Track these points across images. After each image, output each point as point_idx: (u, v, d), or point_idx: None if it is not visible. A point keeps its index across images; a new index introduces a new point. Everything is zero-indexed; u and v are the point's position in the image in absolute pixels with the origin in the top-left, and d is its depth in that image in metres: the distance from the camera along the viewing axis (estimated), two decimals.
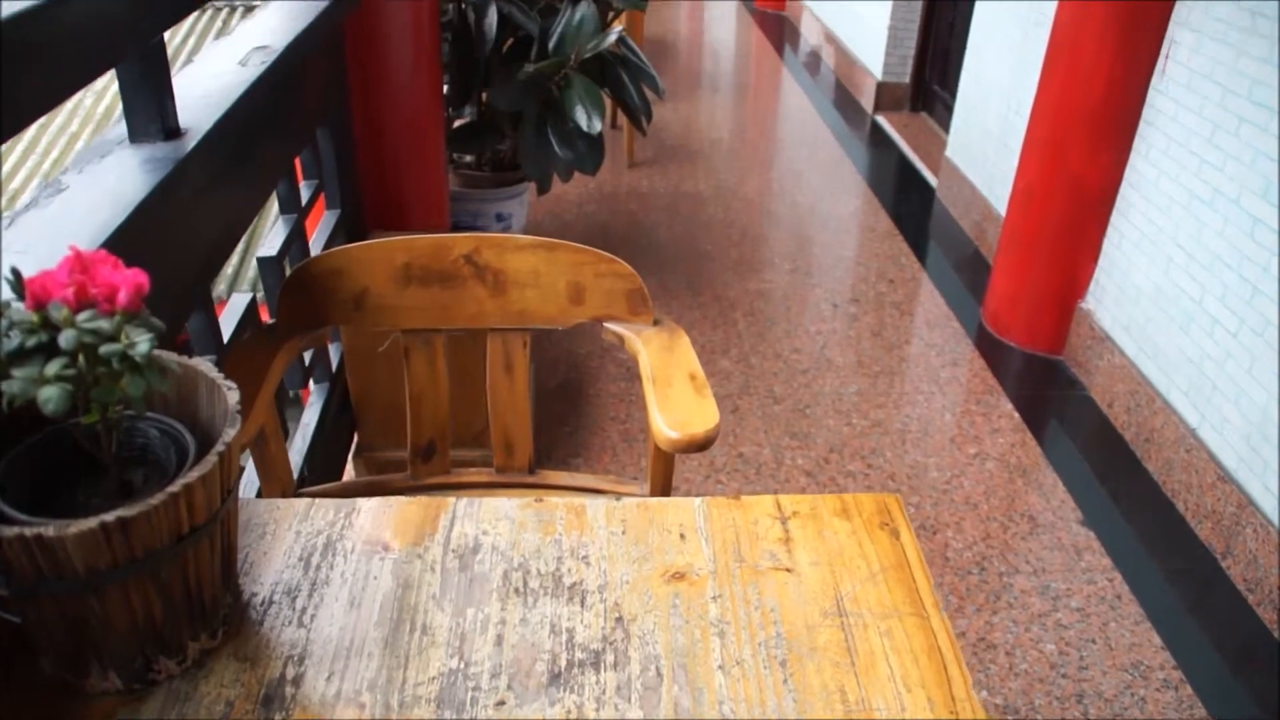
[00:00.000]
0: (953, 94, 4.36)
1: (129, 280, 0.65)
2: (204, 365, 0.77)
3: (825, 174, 4.51)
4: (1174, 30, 2.70)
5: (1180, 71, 2.67)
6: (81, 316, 0.63)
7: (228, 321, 1.59)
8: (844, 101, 5.62)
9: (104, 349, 0.63)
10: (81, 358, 0.63)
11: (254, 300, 1.66)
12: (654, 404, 1.14)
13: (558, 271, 1.29)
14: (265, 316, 1.73)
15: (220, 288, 5.05)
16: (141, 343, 0.63)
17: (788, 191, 4.28)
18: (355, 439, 2.37)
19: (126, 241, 1.07)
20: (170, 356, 0.69)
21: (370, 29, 2.18)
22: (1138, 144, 2.87)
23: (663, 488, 1.28)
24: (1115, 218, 2.98)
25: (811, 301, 3.40)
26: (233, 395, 0.74)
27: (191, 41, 7.12)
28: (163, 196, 1.18)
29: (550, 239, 1.27)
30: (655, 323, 1.32)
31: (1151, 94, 2.80)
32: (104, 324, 0.63)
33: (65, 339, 0.62)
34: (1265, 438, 2.29)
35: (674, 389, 1.16)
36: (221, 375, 0.77)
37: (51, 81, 0.98)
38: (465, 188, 3.07)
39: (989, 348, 3.22)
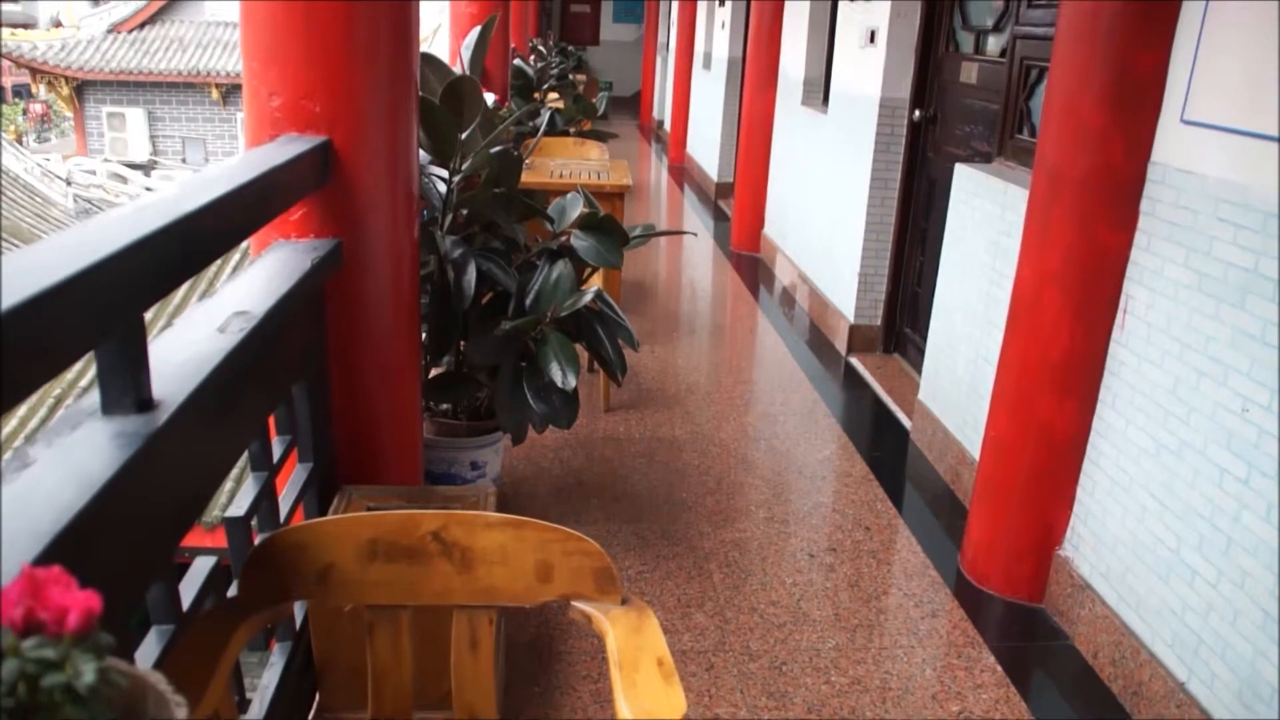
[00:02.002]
0: (924, 336, 4.47)
1: (80, 603, 0.63)
2: (154, 677, 0.75)
3: (800, 418, 4.57)
4: (1129, 287, 2.80)
5: (1139, 326, 2.75)
6: (27, 644, 0.61)
7: (189, 587, 1.55)
8: (818, 343, 5.76)
9: (46, 680, 0.60)
10: (22, 686, 0.60)
11: (217, 565, 1.62)
12: (619, 690, 1.10)
13: (526, 549, 1.27)
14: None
15: None
16: (87, 673, 0.61)
17: (764, 436, 4.32)
18: (316, 700, 2.28)
19: (90, 523, 1.06)
20: (119, 669, 0.67)
21: (351, 288, 2.23)
22: (1103, 394, 2.93)
23: None
24: (1087, 466, 3.00)
25: (788, 551, 3.37)
26: (181, 711, 0.71)
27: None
28: (131, 474, 1.17)
29: (519, 517, 1.26)
30: (623, 601, 1.30)
31: (1113, 346, 2.88)
32: (49, 652, 0.61)
33: (7, 669, 0.60)
34: (1258, 695, 2.23)
35: (641, 674, 1.13)
36: (171, 688, 0.74)
37: (26, 373, 0.99)
38: (440, 435, 3.08)
39: (968, 596, 3.18)
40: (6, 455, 1.17)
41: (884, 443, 4.43)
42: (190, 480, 1.45)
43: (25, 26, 27.19)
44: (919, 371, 4.48)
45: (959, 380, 3.92)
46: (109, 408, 1.30)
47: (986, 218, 3.72)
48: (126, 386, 1.30)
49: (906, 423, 4.53)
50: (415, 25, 2.28)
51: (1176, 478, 2.58)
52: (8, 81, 32.69)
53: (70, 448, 1.21)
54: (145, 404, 1.32)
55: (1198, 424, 2.50)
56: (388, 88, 2.16)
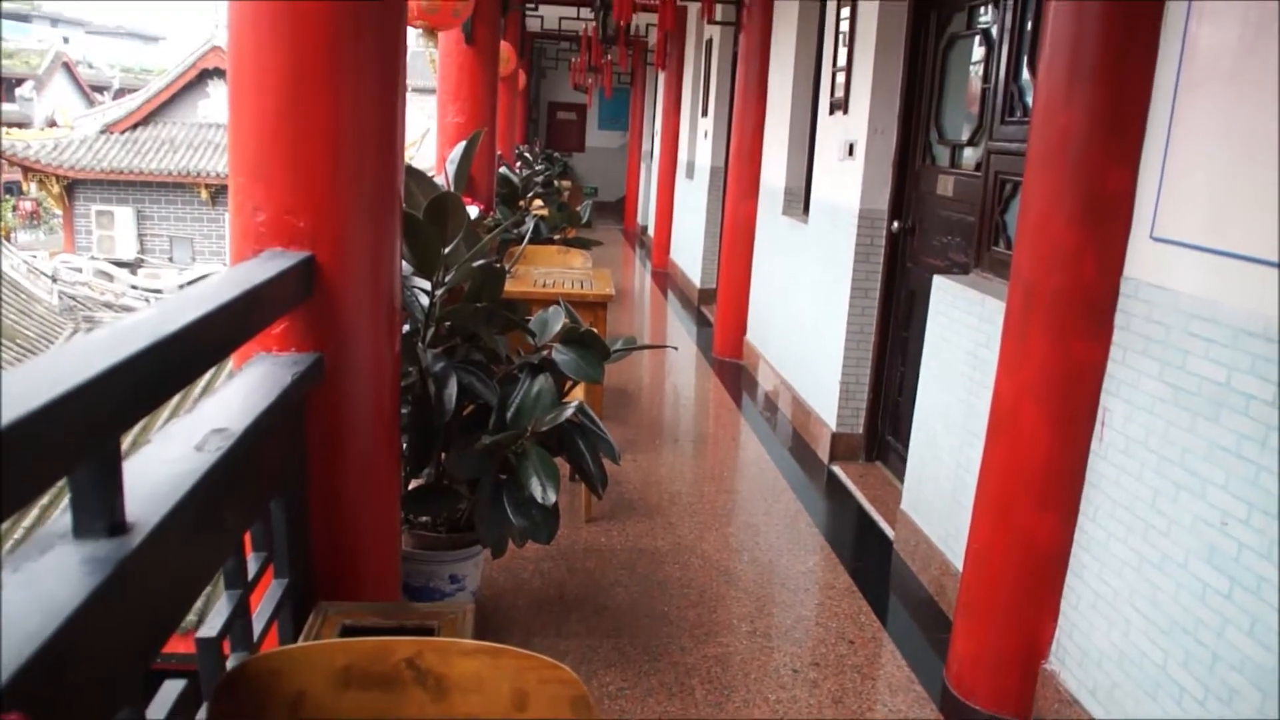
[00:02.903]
0: (906, 445, 4.48)
1: None
2: None
3: (783, 528, 4.54)
4: (1106, 399, 2.82)
5: (1117, 438, 2.77)
6: None
7: (158, 711, 1.51)
8: (800, 451, 5.76)
9: None
10: None
11: (185, 690, 1.59)
12: None
13: (501, 677, 1.25)
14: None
15: None
16: None
17: (746, 548, 4.29)
18: None
19: (57, 652, 1.04)
20: None
21: (332, 401, 2.22)
22: (1084, 506, 2.93)
23: None
24: (1070, 578, 2.99)
25: (771, 667, 3.32)
26: None
27: None
28: (101, 601, 1.16)
29: (494, 645, 1.24)
30: None
31: (1093, 459, 2.89)
32: None
33: None
34: None
35: None
36: None
37: None
38: (419, 548, 3.05)
39: (954, 712, 3.13)
40: None
41: (867, 553, 4.41)
42: (163, 604, 1.43)
43: (20, 125, 27.56)
44: (902, 480, 4.48)
45: (941, 490, 3.92)
46: (80, 531, 1.28)
47: (965, 328, 3.76)
48: (99, 510, 1.28)
49: (890, 532, 4.51)
50: (401, 143, 2.32)
51: (1160, 591, 2.57)
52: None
53: (38, 574, 1.19)
54: (118, 527, 1.30)
55: (1179, 537, 2.50)
56: (372, 205, 2.19)
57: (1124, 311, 2.76)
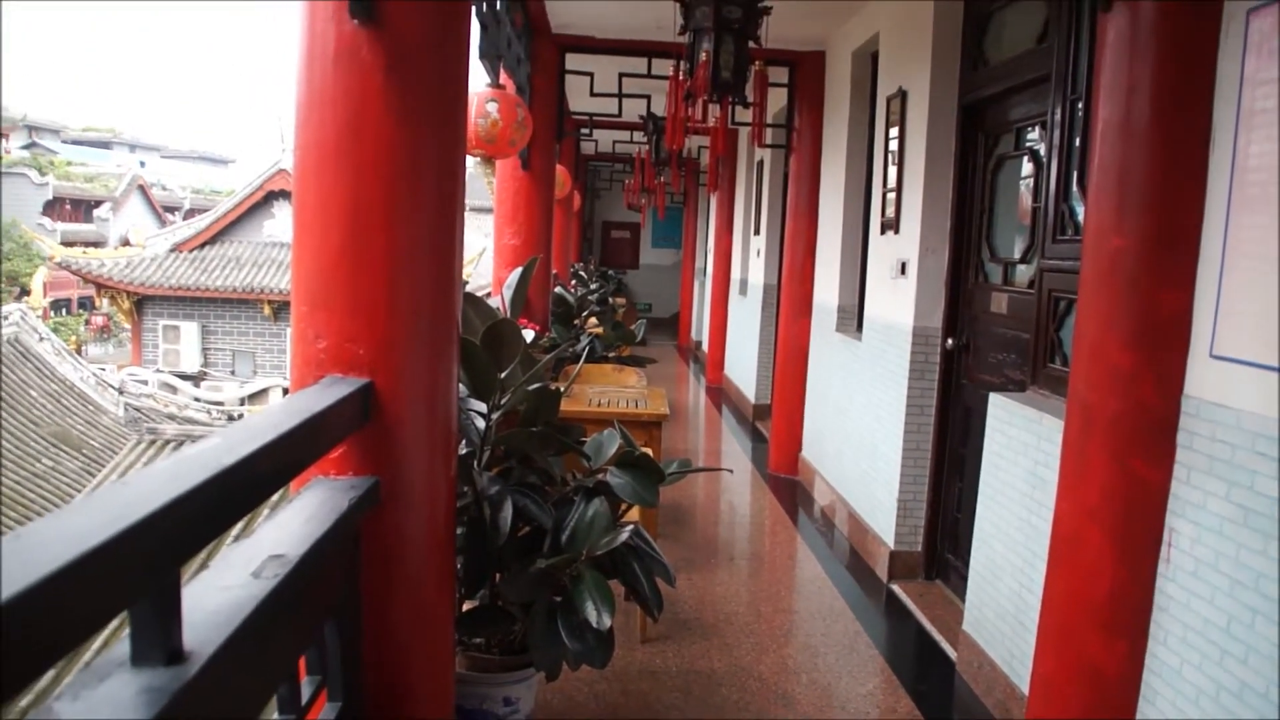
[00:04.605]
0: (966, 563, 4.39)
1: None
2: None
3: (841, 650, 4.45)
4: (1172, 521, 2.76)
5: (1185, 560, 2.70)
6: None
7: None
8: (858, 569, 5.66)
9: None
10: None
11: None
12: None
13: None
14: None
15: None
16: None
17: (804, 670, 4.20)
18: None
19: None
20: None
21: (387, 525, 2.25)
22: (1155, 631, 2.84)
23: None
24: (1143, 705, 2.88)
25: None
26: None
27: None
28: None
29: None
30: None
31: (1160, 581, 2.81)
32: None
33: None
34: None
35: None
36: None
37: (57, 641, 1.00)
38: (473, 670, 3.02)
39: None
40: (33, 713, 1.17)
41: (929, 675, 4.29)
42: None
43: (96, 244, 28.64)
44: (962, 599, 4.38)
45: (1004, 611, 3.82)
46: (138, 659, 1.30)
47: (1023, 447, 3.71)
48: (158, 639, 1.30)
49: (952, 653, 4.40)
50: (458, 271, 2.38)
51: None
52: (74, 294, 34.23)
53: (96, 704, 1.20)
54: (176, 656, 1.31)
55: (1257, 665, 2.41)
56: (429, 332, 2.24)
57: (1187, 431, 2.71)
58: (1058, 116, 3.80)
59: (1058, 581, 3.01)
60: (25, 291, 25.94)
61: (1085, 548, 2.88)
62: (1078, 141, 3.66)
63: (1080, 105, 3.64)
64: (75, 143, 58.66)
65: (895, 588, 5.31)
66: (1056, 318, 3.82)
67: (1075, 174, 3.70)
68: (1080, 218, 3.63)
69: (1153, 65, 2.71)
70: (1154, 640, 2.84)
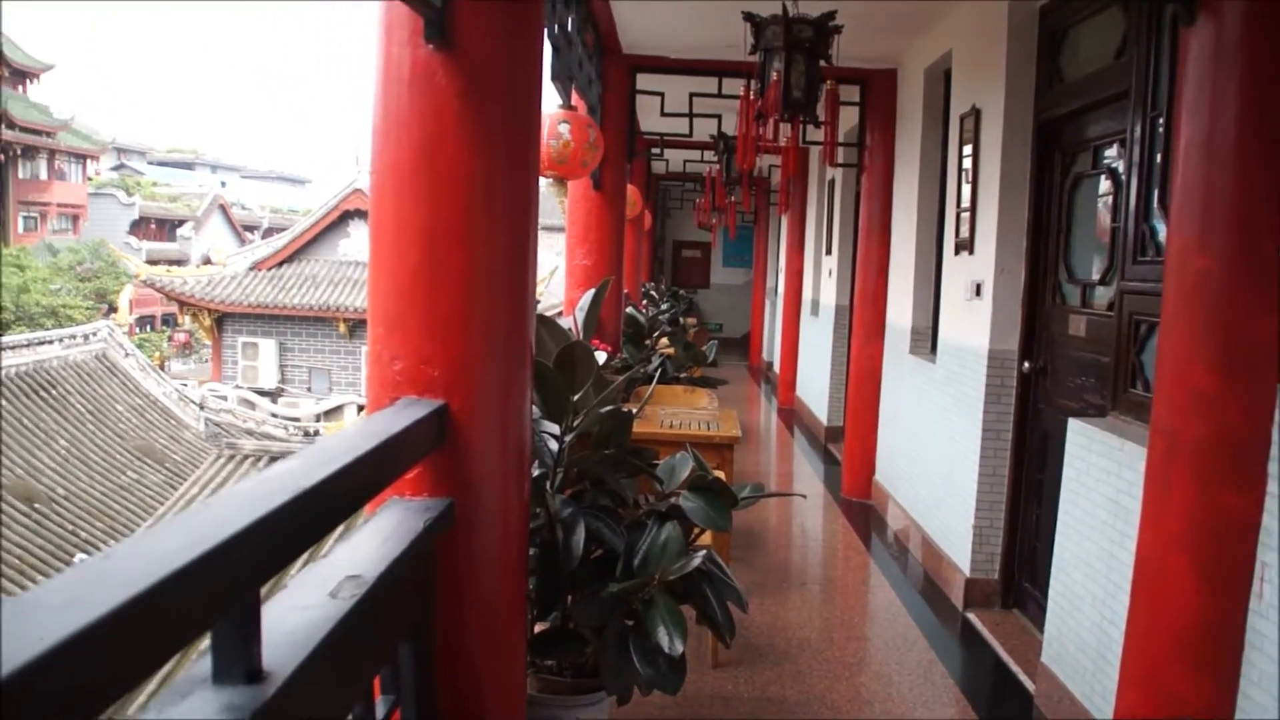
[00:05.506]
0: (1044, 592, 4.30)
1: None
2: None
3: (916, 679, 4.37)
4: (1263, 553, 2.67)
5: (1278, 596, 2.61)
6: None
7: None
8: (933, 596, 5.57)
9: None
10: None
11: None
12: None
13: None
14: None
15: None
16: None
17: (878, 699, 4.13)
18: None
19: None
20: None
21: (461, 546, 2.26)
22: (1246, 669, 2.74)
23: None
24: None
25: None
26: None
27: None
28: None
29: None
30: None
31: (1252, 617, 2.72)
32: None
33: None
34: None
35: None
36: None
37: (143, 660, 1.02)
38: (544, 692, 3.02)
39: None
40: None
41: (1006, 708, 4.20)
42: None
43: (179, 263, 29.50)
44: (1041, 629, 4.29)
45: (1084, 643, 3.73)
46: (219, 677, 1.32)
47: (1104, 474, 3.63)
48: (238, 658, 1.32)
49: (1030, 686, 4.30)
50: (532, 293, 2.39)
51: None
52: (158, 311, 35.26)
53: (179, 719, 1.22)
54: (255, 674, 1.33)
55: None
56: (503, 355, 2.26)
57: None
58: (1137, 134, 3.73)
59: (1142, 614, 2.93)
60: (113, 308, 26.74)
61: (1170, 579, 2.80)
62: (1158, 159, 3.59)
63: (1161, 122, 3.56)
64: (160, 164, 60.52)
65: (971, 616, 5.21)
66: (1138, 341, 3.74)
67: (1156, 193, 3.62)
68: (1162, 238, 3.55)
69: (1238, 80, 2.65)
70: (1246, 680, 2.74)
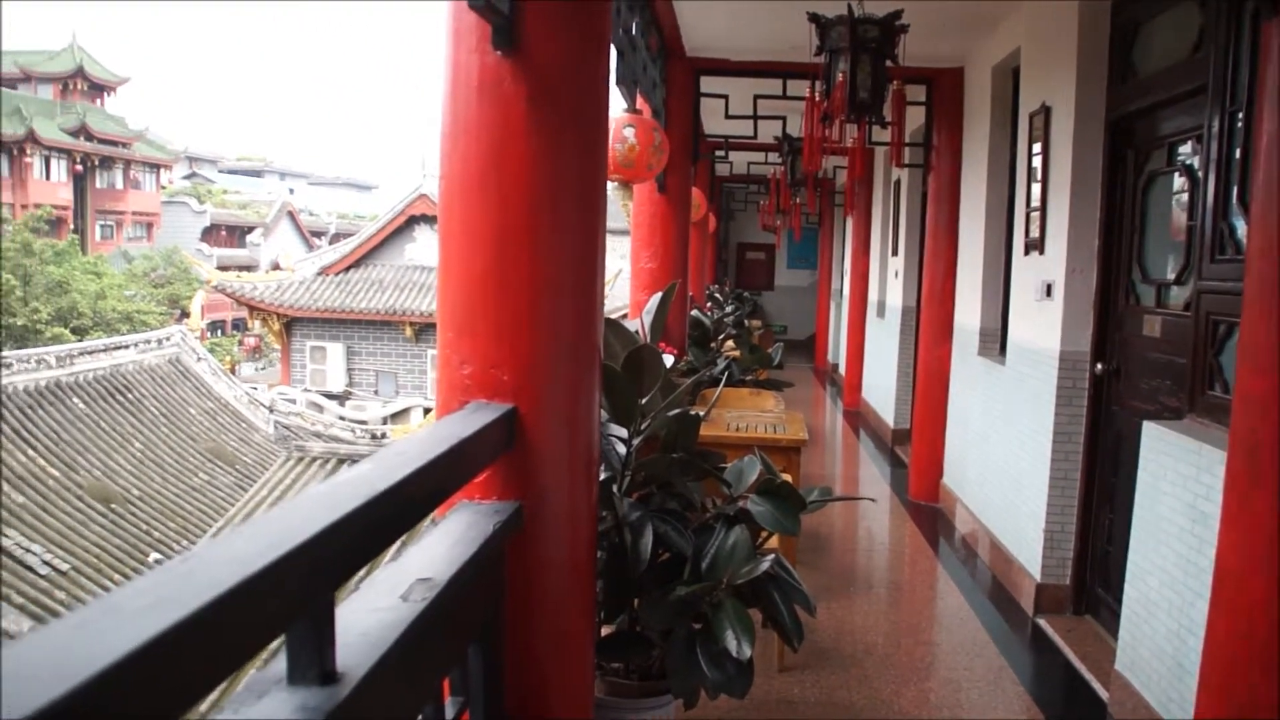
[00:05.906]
0: (1118, 598, 4.21)
1: None
2: None
3: (986, 685, 4.31)
4: None
5: None
6: None
7: None
8: (1002, 601, 5.49)
9: None
10: None
11: None
12: None
13: None
14: None
15: None
16: None
17: (946, 705, 4.08)
18: None
19: None
20: None
21: (530, 549, 2.27)
22: None
23: None
24: None
25: None
26: None
27: None
28: None
29: None
30: None
31: None
32: None
33: None
34: None
35: None
36: None
37: (221, 663, 1.03)
38: (611, 694, 3.03)
39: None
40: None
41: (1078, 715, 4.13)
42: None
43: (248, 268, 30.12)
44: (1114, 636, 4.20)
45: (1161, 651, 3.65)
46: (294, 678, 1.33)
47: (1181, 479, 3.54)
48: (313, 659, 1.33)
49: (1103, 694, 4.22)
50: (599, 298, 2.39)
51: None
52: (229, 316, 36.03)
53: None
54: (329, 676, 1.35)
55: None
56: (571, 359, 2.26)
57: None
58: (1215, 130, 3.64)
59: (1221, 623, 2.86)
60: (185, 314, 27.33)
61: (1251, 587, 2.73)
62: (1237, 155, 3.50)
63: (1240, 117, 3.48)
64: (231, 172, 61.74)
65: (1041, 622, 5.12)
66: (1216, 342, 3.65)
67: (1235, 190, 3.53)
68: (1241, 236, 3.46)
69: None
70: None
